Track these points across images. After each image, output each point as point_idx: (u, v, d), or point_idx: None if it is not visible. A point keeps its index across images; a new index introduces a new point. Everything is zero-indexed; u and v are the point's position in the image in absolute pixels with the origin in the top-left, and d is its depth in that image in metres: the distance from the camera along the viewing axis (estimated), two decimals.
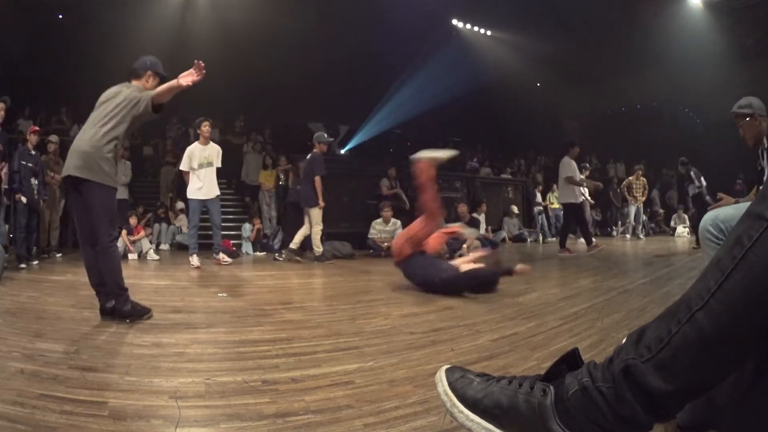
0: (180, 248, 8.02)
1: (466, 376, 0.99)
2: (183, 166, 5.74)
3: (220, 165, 5.85)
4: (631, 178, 10.69)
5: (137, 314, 2.67)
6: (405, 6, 11.25)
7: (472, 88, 12.92)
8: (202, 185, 5.64)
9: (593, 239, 7.35)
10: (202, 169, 5.66)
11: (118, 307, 2.65)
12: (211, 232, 5.95)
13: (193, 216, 5.73)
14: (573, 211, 7.38)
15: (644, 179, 10.56)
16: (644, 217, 11.54)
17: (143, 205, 8.02)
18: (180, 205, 8.40)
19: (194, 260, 5.49)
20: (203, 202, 5.69)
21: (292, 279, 4.93)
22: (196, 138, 6.02)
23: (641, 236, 10.63)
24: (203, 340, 2.28)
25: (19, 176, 5.39)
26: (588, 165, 10.30)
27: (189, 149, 5.78)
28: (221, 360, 1.96)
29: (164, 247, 7.88)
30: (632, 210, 10.52)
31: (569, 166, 7.20)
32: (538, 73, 14.42)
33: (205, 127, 5.76)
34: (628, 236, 10.63)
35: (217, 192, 5.78)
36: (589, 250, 6.94)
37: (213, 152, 5.78)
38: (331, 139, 6.80)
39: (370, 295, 3.86)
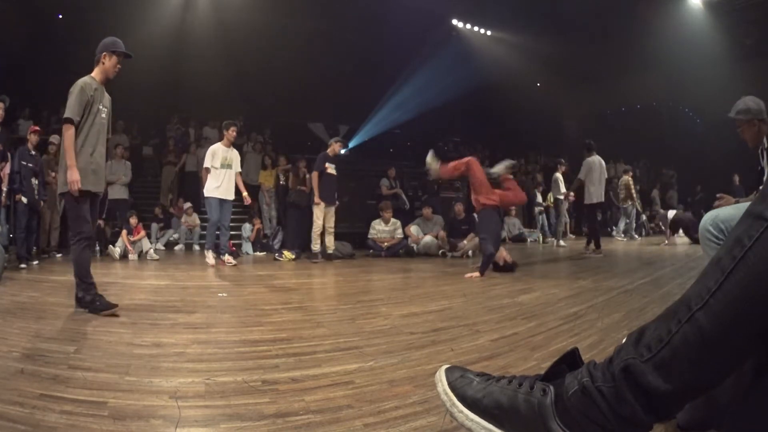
0: (188, 248, 8.03)
1: (466, 376, 0.99)
2: (206, 163, 5.80)
3: (240, 169, 5.96)
4: (628, 177, 10.39)
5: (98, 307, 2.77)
6: (405, 6, 11.25)
7: (472, 88, 12.91)
8: (220, 184, 5.71)
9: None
10: (223, 169, 5.74)
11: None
12: (218, 233, 5.95)
13: (213, 213, 5.76)
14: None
15: (628, 178, 10.25)
16: (643, 217, 11.50)
17: (142, 205, 8.01)
18: (187, 204, 8.35)
19: (210, 257, 5.61)
20: (219, 200, 5.73)
21: (292, 279, 4.93)
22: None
23: (636, 237, 10.53)
24: (203, 340, 2.28)
25: (20, 176, 5.39)
26: (563, 160, 10.18)
27: (212, 148, 5.86)
28: (221, 360, 1.96)
29: (160, 246, 7.86)
30: (632, 212, 10.41)
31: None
32: (538, 73, 14.41)
33: (233, 132, 5.88)
34: (637, 236, 10.52)
35: (233, 196, 5.85)
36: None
37: (234, 156, 5.88)
38: (341, 139, 6.97)
39: (370, 295, 3.86)
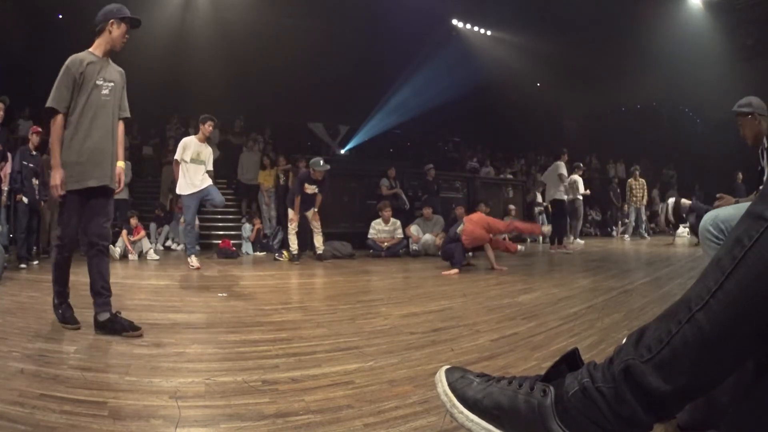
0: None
1: (466, 377, 0.99)
2: (176, 155, 5.48)
3: (211, 168, 5.59)
4: (630, 179, 10.62)
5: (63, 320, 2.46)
6: (405, 6, 11.26)
7: (472, 88, 12.92)
8: (191, 180, 5.41)
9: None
10: (192, 164, 5.42)
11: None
12: (205, 232, 5.74)
13: (188, 212, 5.50)
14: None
15: (643, 180, 10.51)
16: (643, 217, 11.53)
17: (142, 205, 7.99)
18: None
19: (193, 261, 5.40)
20: (196, 195, 5.41)
21: (292, 279, 4.93)
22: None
23: (646, 236, 10.61)
24: (203, 340, 2.28)
25: (21, 177, 5.38)
26: (581, 165, 10.26)
27: (185, 140, 5.55)
28: (221, 360, 1.96)
29: (160, 246, 7.85)
30: (632, 211, 10.51)
31: None
32: (538, 73, 14.42)
33: (209, 127, 5.59)
34: (627, 237, 10.60)
35: (208, 182, 5.44)
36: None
37: (207, 152, 5.59)
38: (327, 167, 6.53)
39: (370, 295, 3.86)
